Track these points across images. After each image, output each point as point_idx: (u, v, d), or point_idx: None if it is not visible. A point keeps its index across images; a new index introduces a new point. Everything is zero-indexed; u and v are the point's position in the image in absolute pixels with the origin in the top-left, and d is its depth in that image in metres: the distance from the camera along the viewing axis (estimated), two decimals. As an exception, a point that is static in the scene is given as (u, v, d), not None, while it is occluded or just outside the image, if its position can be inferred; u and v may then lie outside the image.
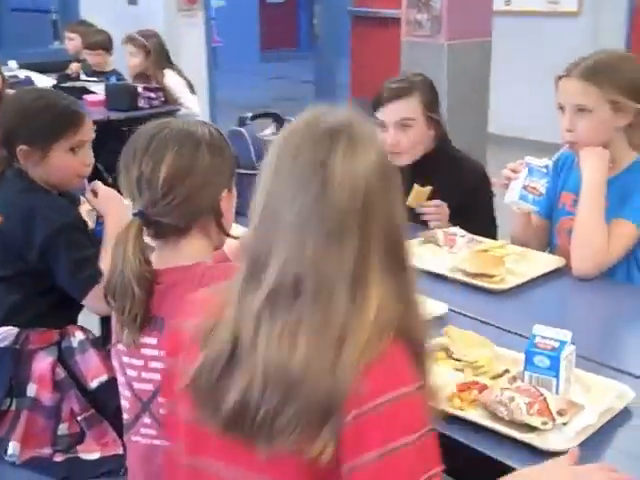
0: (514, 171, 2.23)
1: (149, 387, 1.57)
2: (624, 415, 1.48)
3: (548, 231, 2.42)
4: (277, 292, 1.12)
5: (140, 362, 1.57)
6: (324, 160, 1.10)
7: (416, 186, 2.54)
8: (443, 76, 4.79)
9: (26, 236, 2.01)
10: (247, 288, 1.16)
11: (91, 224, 2.21)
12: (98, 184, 2.20)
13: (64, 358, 2.03)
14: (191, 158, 1.54)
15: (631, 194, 2.19)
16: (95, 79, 5.53)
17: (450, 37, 4.97)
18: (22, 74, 5.78)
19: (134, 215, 1.56)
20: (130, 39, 5.26)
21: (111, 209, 2.14)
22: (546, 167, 2.21)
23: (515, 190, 2.20)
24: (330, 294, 1.09)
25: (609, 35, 6.98)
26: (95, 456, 1.93)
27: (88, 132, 2.14)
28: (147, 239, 1.67)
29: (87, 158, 2.14)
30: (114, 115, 4.79)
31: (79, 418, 1.99)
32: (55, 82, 5.63)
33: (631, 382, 1.56)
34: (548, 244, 2.42)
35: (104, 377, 2.01)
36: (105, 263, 1.99)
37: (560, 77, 2.24)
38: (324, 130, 1.13)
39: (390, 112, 2.59)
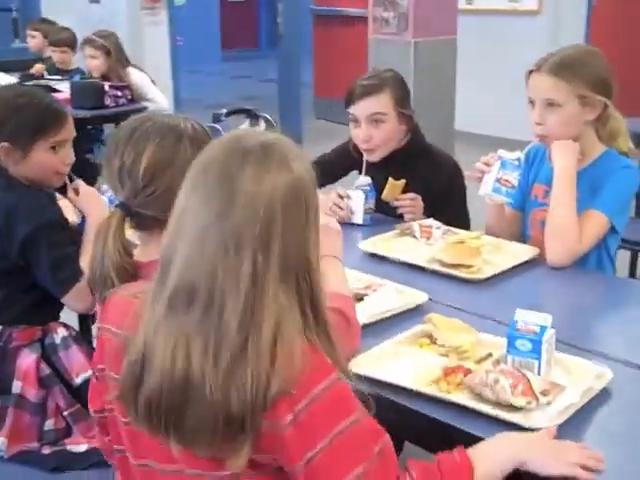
0: (487, 164, 2.29)
1: None
2: (603, 395, 1.53)
3: (521, 222, 2.48)
4: (175, 299, 1.16)
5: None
6: (231, 178, 1.15)
7: (391, 180, 2.58)
8: (410, 73, 4.84)
9: (8, 233, 2.01)
10: (156, 293, 1.20)
11: (76, 219, 2.22)
12: (80, 183, 2.20)
13: (47, 355, 2.04)
14: (172, 150, 1.55)
15: (601, 185, 2.26)
16: (59, 77, 5.49)
17: (416, 35, 5.03)
18: (-18, 73, 5.72)
19: (115, 207, 1.57)
20: (88, 41, 5.23)
21: (92, 207, 2.15)
22: (518, 160, 2.27)
23: (489, 183, 2.26)
24: (222, 307, 1.13)
25: (569, 33, 7.10)
26: (83, 448, 1.94)
27: (70, 131, 2.14)
28: (133, 234, 1.69)
29: (68, 157, 2.14)
30: (80, 113, 4.75)
31: (65, 413, 2.00)
32: (18, 81, 5.58)
33: (607, 364, 1.61)
34: (521, 235, 2.47)
35: (89, 373, 2.01)
36: (85, 261, 2.01)
37: (530, 72, 2.30)
38: (238, 150, 1.18)
39: (362, 108, 2.64)
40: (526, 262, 2.23)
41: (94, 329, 2.30)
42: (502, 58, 7.17)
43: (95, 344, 1.44)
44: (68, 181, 2.19)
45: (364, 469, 1.16)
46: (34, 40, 6.26)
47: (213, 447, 1.14)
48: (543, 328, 1.55)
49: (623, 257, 3.78)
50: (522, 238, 2.46)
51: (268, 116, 3.05)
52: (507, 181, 2.24)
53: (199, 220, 1.16)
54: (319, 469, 1.15)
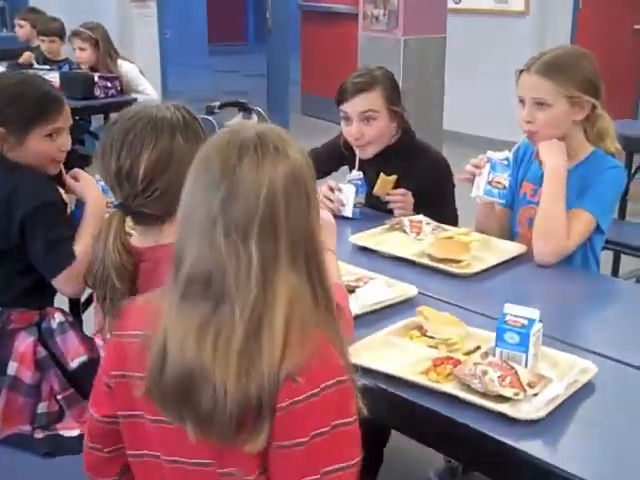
0: (477, 166, 2.33)
1: None
2: (588, 388, 1.57)
3: (510, 219, 2.52)
4: (187, 292, 1.20)
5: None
6: (231, 169, 1.18)
7: (382, 175, 2.62)
8: (399, 71, 4.87)
9: (8, 211, 2.03)
10: (170, 289, 1.23)
11: (71, 206, 2.24)
12: (78, 170, 2.23)
13: (44, 339, 2.06)
14: (168, 149, 1.57)
15: (588, 185, 2.29)
16: (48, 67, 5.49)
17: (407, 32, 5.07)
18: (-29, 62, 5.71)
19: (115, 207, 1.59)
20: (76, 33, 5.24)
21: (91, 194, 2.17)
22: (507, 159, 2.31)
23: (480, 186, 2.30)
24: (233, 295, 1.17)
25: (555, 35, 7.16)
26: (75, 433, 1.96)
27: (67, 119, 2.16)
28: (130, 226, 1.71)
29: (64, 144, 2.16)
30: (70, 104, 4.73)
31: (59, 397, 2.01)
32: (6, 70, 5.56)
33: (592, 358, 1.65)
34: (510, 232, 2.51)
35: (84, 358, 2.04)
36: (80, 246, 2.03)
37: (520, 71, 2.34)
38: (235, 142, 1.21)
39: (354, 105, 2.67)
40: (513, 259, 2.27)
41: (86, 317, 2.33)
42: (489, 58, 7.22)
43: (104, 352, 1.43)
44: (64, 169, 2.21)
45: (322, 477, 1.18)
46: (22, 29, 6.25)
47: (230, 433, 1.16)
48: (531, 322, 1.59)
49: (606, 257, 3.84)
50: (511, 235, 2.50)
51: (260, 109, 3.08)
52: (498, 182, 2.28)
53: (205, 213, 1.19)
54: (284, 460, 1.18)
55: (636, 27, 7.69)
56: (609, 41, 7.69)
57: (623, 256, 3.99)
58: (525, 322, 1.58)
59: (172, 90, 8.34)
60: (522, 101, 2.34)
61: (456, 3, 7.68)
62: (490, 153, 2.32)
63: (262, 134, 1.22)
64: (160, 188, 1.57)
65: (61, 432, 1.97)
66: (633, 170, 4.43)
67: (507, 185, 2.29)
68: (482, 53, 7.40)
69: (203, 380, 1.16)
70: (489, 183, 2.28)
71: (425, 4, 5.10)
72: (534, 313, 1.60)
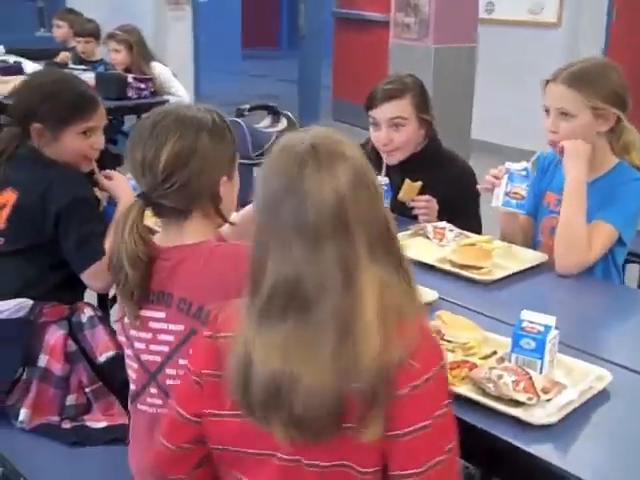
0: (496, 177, 2.36)
1: (157, 359, 1.66)
2: (602, 396, 1.59)
3: (533, 228, 2.54)
4: (269, 306, 1.25)
5: (148, 335, 1.66)
6: (294, 184, 1.23)
7: (407, 181, 2.65)
8: (429, 79, 4.90)
9: (43, 206, 2.10)
10: (251, 303, 1.28)
11: (104, 203, 2.30)
12: (111, 172, 2.29)
13: (74, 332, 2.11)
14: (191, 145, 1.62)
15: (612, 197, 2.31)
16: (84, 67, 5.59)
17: (437, 41, 5.10)
18: (10, 59, 5.82)
19: (137, 197, 1.65)
20: (111, 36, 5.36)
21: (123, 193, 2.23)
22: (525, 170, 2.34)
23: (499, 197, 2.34)
24: (318, 303, 1.21)
25: (587, 46, 7.15)
26: (102, 425, 2.01)
27: (101, 118, 2.23)
28: (154, 222, 1.76)
29: (97, 142, 2.22)
30: (104, 104, 4.82)
31: (87, 390, 2.06)
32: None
33: (608, 367, 1.67)
34: (533, 241, 2.53)
35: (112, 352, 2.09)
36: (109, 243, 2.09)
37: (547, 81, 2.37)
38: (292, 156, 1.25)
39: (384, 112, 2.70)
40: (535, 267, 2.29)
41: (112, 312, 2.39)
42: (520, 69, 7.21)
43: (195, 349, 1.46)
44: (97, 168, 2.27)
45: (445, 456, 1.26)
46: (60, 30, 6.36)
47: (329, 430, 1.22)
48: (547, 328, 1.62)
49: (634, 270, 3.82)
50: (534, 244, 2.52)
51: (290, 114, 3.12)
52: (516, 193, 2.31)
53: (278, 232, 1.24)
54: (413, 445, 1.24)
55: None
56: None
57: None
58: (541, 329, 1.61)
59: (204, 93, 8.43)
60: (547, 111, 2.37)
61: (489, 13, 7.69)
62: (508, 164, 2.35)
63: (315, 143, 1.26)
64: (180, 181, 1.61)
65: (88, 423, 2.02)
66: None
67: (525, 195, 2.32)
68: (514, 63, 7.39)
69: (292, 386, 1.21)
70: (507, 194, 2.32)
71: (456, 13, 5.12)
72: (551, 320, 1.63)
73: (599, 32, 7.48)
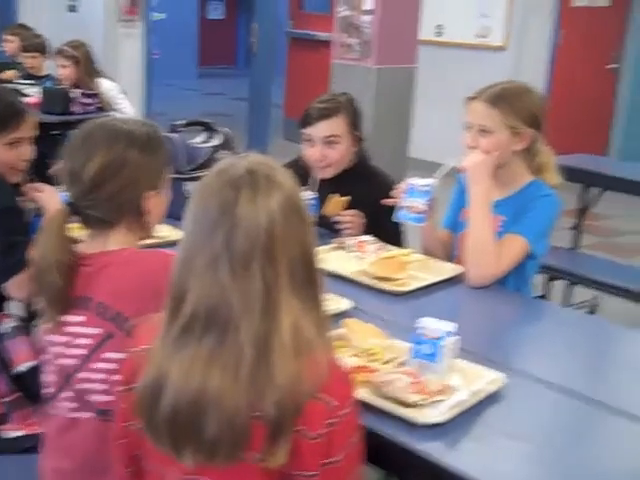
0: (401, 191, 2.46)
1: (73, 362, 1.68)
2: (497, 398, 1.68)
3: (453, 243, 2.63)
4: (189, 327, 1.27)
5: (65, 339, 1.68)
6: (229, 207, 1.26)
7: (333, 196, 2.72)
8: (370, 98, 5.02)
9: None
10: (169, 323, 1.30)
11: (30, 215, 2.33)
12: (41, 184, 2.32)
13: None
14: (121, 157, 1.65)
15: (525, 212, 2.41)
16: (31, 82, 5.60)
17: (378, 62, 5.22)
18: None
19: (64, 205, 1.68)
20: (59, 51, 5.42)
21: (52, 205, 2.26)
22: (428, 186, 2.43)
23: (397, 209, 2.45)
24: (239, 327, 1.24)
25: (531, 69, 7.33)
26: (17, 434, 2.02)
27: (29, 129, 2.26)
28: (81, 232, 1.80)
29: (25, 154, 2.26)
30: (48, 118, 4.86)
31: (4, 400, 2.07)
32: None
33: (506, 372, 1.75)
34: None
35: (32, 363, 2.09)
36: (33, 251, 2.12)
37: (469, 99, 2.47)
38: (228, 180, 1.29)
39: (318, 130, 2.78)
40: (450, 279, 2.38)
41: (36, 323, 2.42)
42: (467, 90, 7.31)
43: (121, 362, 1.47)
44: (27, 179, 2.30)
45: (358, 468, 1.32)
46: (11, 44, 6.36)
47: (238, 453, 1.24)
48: (445, 334, 1.69)
49: (558, 286, 3.95)
50: (452, 258, 2.61)
51: (227, 130, 3.17)
52: (414, 207, 2.41)
53: (208, 254, 1.26)
54: (322, 477, 1.27)
55: (610, 67, 7.90)
56: (585, 78, 7.90)
57: (577, 286, 4.10)
58: (438, 335, 1.69)
59: (156, 110, 8.45)
60: (468, 127, 2.47)
61: (438, 36, 7.85)
62: (411, 180, 2.45)
63: (251, 168, 1.30)
64: (107, 192, 1.65)
65: (2, 433, 2.02)
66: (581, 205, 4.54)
67: (423, 209, 2.41)
68: (460, 84, 7.51)
69: (206, 408, 1.22)
70: (405, 207, 2.43)
71: (397, 35, 5.25)
72: (449, 327, 1.71)
73: (543, 56, 7.68)
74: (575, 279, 3.95)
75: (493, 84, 2.50)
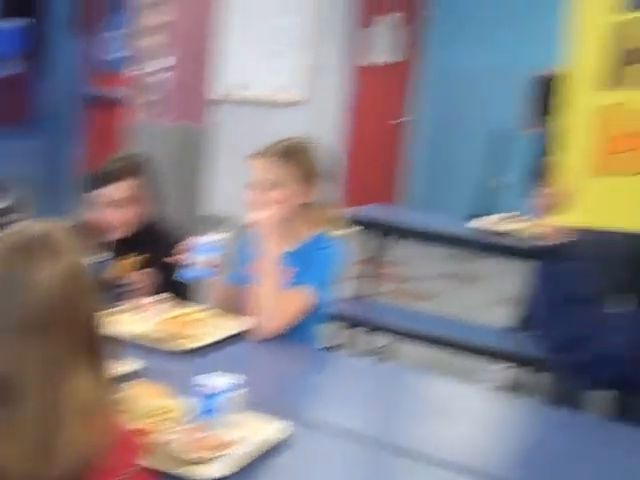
0: (185, 250, 2.48)
1: None
2: (284, 447, 1.71)
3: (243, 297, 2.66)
4: None
5: None
6: (12, 273, 1.24)
7: (121, 259, 2.70)
8: (162, 157, 4.98)
9: None
10: None
11: None
12: None
13: None
14: None
15: (311, 263, 2.50)
16: None
17: (170, 120, 5.28)
18: None
19: None
20: None
21: None
22: (216, 241, 2.47)
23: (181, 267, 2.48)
24: (26, 389, 1.21)
25: (327, 124, 7.62)
26: None
27: None
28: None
29: None
30: None
31: None
32: None
33: (293, 422, 1.78)
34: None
35: None
36: None
37: (253, 156, 2.54)
38: (16, 245, 1.27)
39: (106, 193, 2.77)
40: (240, 333, 2.41)
41: None
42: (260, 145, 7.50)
43: None
44: None
45: None
46: None
47: None
48: (221, 389, 1.72)
49: (333, 329, 4.02)
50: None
51: (22, 191, 3.06)
52: (201, 263, 2.45)
53: None
54: None
55: (394, 122, 8.40)
56: (374, 132, 8.34)
57: (375, 333, 4.21)
58: (216, 390, 1.71)
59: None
60: (253, 185, 2.52)
61: (228, 95, 7.96)
62: (200, 236, 2.48)
63: (35, 236, 1.27)
64: None
65: None
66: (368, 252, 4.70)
67: (211, 265, 2.45)
68: (261, 139, 7.67)
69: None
70: (191, 264, 2.45)
71: (187, 94, 5.33)
72: (229, 381, 1.73)
73: (338, 112, 7.99)
74: (372, 326, 4.03)
75: (277, 140, 2.60)
